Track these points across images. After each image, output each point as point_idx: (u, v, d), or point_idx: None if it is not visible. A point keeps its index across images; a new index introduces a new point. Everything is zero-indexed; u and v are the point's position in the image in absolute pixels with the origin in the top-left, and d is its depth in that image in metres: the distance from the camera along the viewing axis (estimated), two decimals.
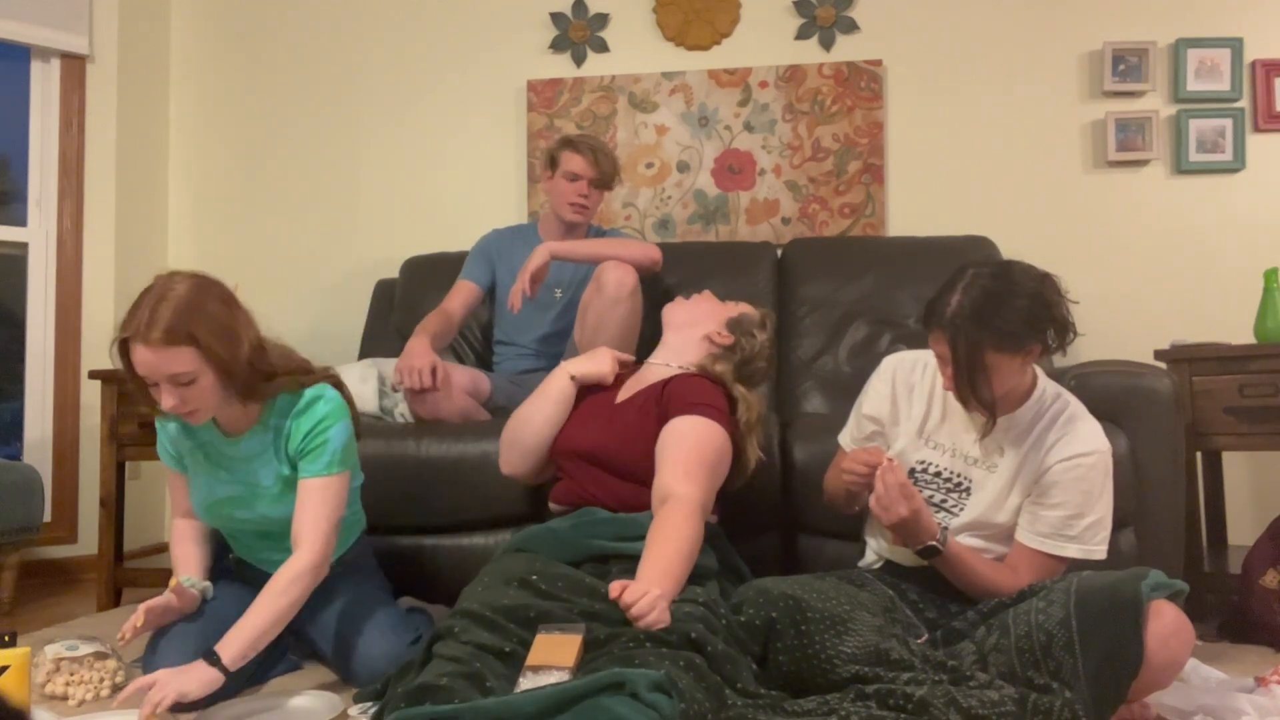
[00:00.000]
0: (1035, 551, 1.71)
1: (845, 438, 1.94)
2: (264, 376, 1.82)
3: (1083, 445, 1.70)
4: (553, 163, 2.79)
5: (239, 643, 1.69)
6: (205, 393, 1.75)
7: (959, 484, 1.77)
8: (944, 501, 1.77)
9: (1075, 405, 1.77)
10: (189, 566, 1.99)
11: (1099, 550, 1.70)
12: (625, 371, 2.17)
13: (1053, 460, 1.70)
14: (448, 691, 1.34)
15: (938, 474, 1.78)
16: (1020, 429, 1.74)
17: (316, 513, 1.83)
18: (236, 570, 2.08)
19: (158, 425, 1.99)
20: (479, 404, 2.59)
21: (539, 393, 2.11)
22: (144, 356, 1.68)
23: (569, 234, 2.78)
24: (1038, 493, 1.71)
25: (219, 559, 2.10)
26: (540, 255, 2.54)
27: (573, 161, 2.74)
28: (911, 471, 1.80)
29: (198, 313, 1.71)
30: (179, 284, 1.74)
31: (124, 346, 1.72)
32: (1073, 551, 1.69)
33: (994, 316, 1.60)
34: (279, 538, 1.91)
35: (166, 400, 1.72)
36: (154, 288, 1.73)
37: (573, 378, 2.09)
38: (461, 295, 2.79)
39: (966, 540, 1.74)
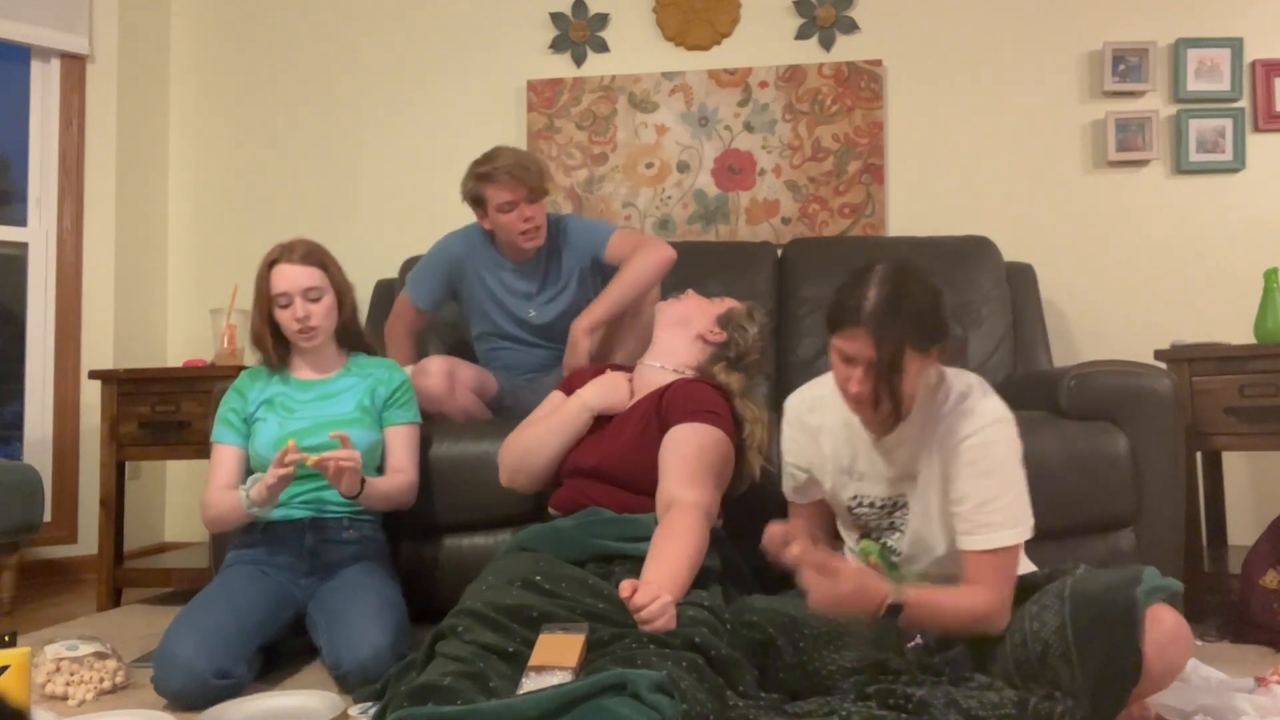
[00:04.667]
0: (973, 554, 1.57)
1: (787, 489, 1.87)
2: (357, 330, 2.31)
3: (965, 428, 1.57)
4: (477, 202, 2.60)
5: (377, 489, 2.10)
6: (325, 312, 2.17)
7: (896, 503, 1.69)
8: (891, 524, 1.71)
9: (958, 385, 1.64)
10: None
11: (1026, 528, 1.57)
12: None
13: (946, 451, 1.60)
14: (450, 691, 1.34)
15: (873, 504, 1.72)
16: (915, 431, 1.65)
17: (412, 451, 2.25)
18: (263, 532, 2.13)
19: (230, 393, 2.23)
20: (484, 404, 2.58)
21: (552, 423, 2.06)
22: (287, 271, 2.14)
23: (531, 253, 2.66)
24: (949, 491, 1.61)
25: (232, 547, 2.17)
26: (581, 340, 2.46)
27: (498, 193, 2.53)
28: (849, 509, 1.74)
29: (326, 252, 2.22)
30: (304, 238, 2.22)
31: (267, 272, 2.15)
32: (1003, 539, 1.55)
33: (913, 310, 1.53)
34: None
35: (299, 310, 2.13)
36: (281, 243, 2.19)
37: (589, 408, 2.06)
38: (415, 325, 2.78)
39: (925, 568, 1.66)
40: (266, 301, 2.16)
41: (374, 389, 2.23)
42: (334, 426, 2.11)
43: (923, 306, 1.54)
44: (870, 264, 1.59)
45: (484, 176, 2.56)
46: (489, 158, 2.59)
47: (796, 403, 1.83)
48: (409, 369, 2.53)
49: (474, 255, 2.72)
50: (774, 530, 1.59)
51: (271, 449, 2.10)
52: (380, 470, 2.21)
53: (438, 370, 2.47)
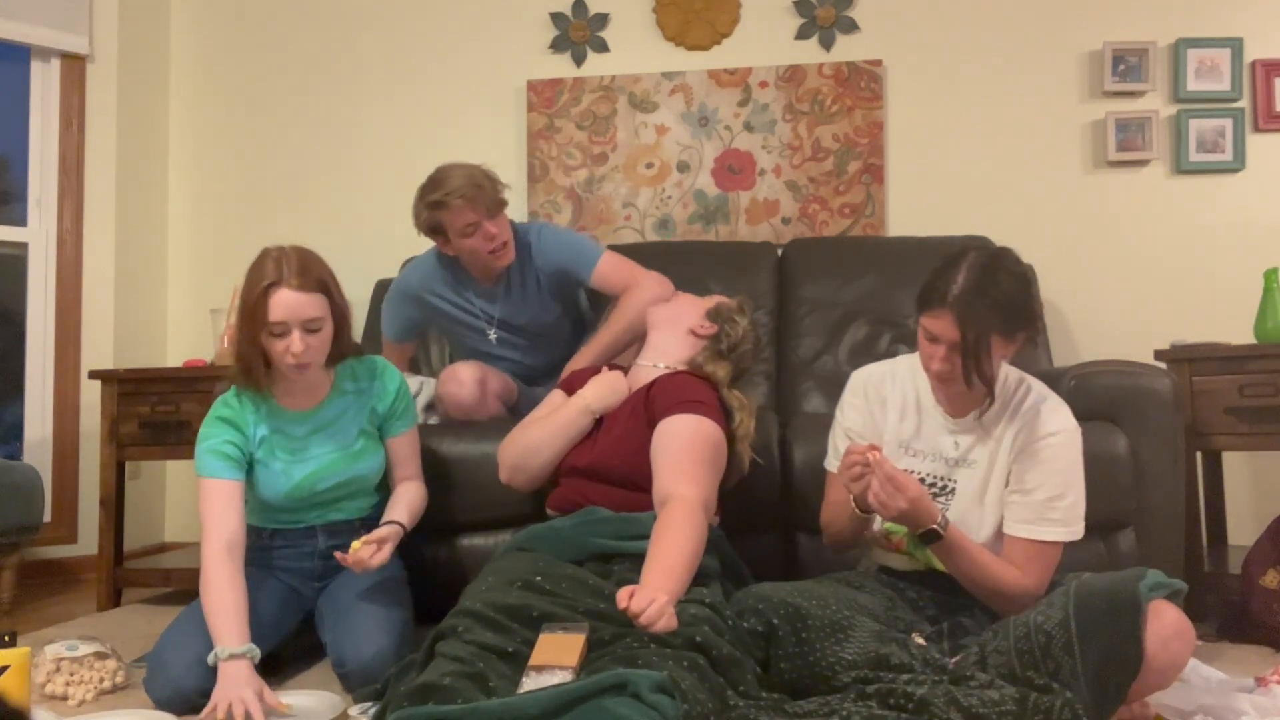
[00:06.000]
0: (1024, 541, 1.68)
1: (831, 462, 1.92)
2: (346, 343, 2.03)
3: (1049, 426, 1.70)
4: (435, 232, 2.45)
5: (409, 522, 2.05)
6: (323, 343, 1.93)
7: (944, 487, 1.76)
8: None
9: (1038, 388, 1.77)
10: (239, 622, 1.78)
11: (1079, 529, 1.70)
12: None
13: (1022, 444, 1.70)
14: (450, 691, 1.34)
15: (921, 480, 1.76)
16: (988, 423, 1.75)
17: (417, 457, 2.17)
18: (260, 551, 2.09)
19: (220, 425, 1.96)
20: (506, 409, 2.57)
21: (553, 424, 2.06)
22: (289, 299, 1.85)
23: (502, 270, 2.54)
24: (1014, 480, 1.71)
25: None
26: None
27: (456, 218, 2.39)
28: None
29: (325, 268, 1.95)
30: (297, 247, 1.94)
31: (264, 295, 1.85)
32: (1059, 534, 1.68)
33: (1000, 297, 1.62)
34: (350, 496, 2.10)
35: (296, 345, 1.86)
36: (275, 250, 1.91)
37: (590, 410, 2.06)
38: (402, 360, 2.71)
39: None
40: (260, 326, 1.87)
41: (372, 407, 2.09)
42: (342, 465, 2.04)
43: (1009, 294, 1.63)
44: (965, 249, 1.70)
45: (438, 204, 2.38)
46: (438, 183, 2.40)
47: (868, 372, 1.90)
48: (418, 382, 2.52)
49: (434, 285, 2.60)
50: (856, 445, 1.66)
51: (283, 497, 2.01)
52: (385, 481, 2.19)
53: (470, 379, 2.43)
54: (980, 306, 1.61)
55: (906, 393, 1.83)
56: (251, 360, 1.92)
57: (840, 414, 1.90)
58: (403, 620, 1.96)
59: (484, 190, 2.39)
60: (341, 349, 2.02)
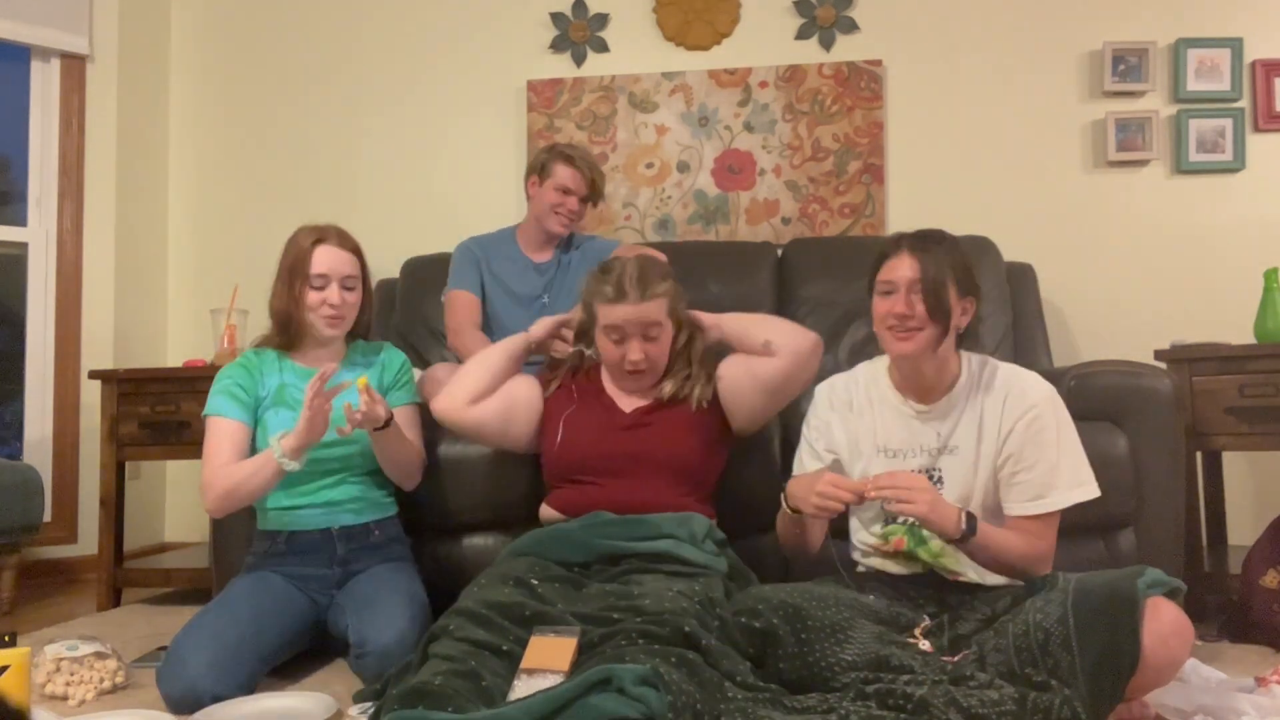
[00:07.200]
0: (1036, 518, 1.72)
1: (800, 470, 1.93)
2: (368, 323, 2.25)
3: (1027, 399, 1.73)
4: (543, 170, 2.74)
5: (400, 431, 2.13)
6: (355, 302, 2.15)
7: (932, 477, 1.78)
8: None
9: (1004, 366, 1.80)
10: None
11: (1092, 487, 1.73)
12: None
13: (1005, 425, 1.73)
14: (442, 692, 1.34)
15: None
16: (962, 405, 1.78)
17: (417, 430, 2.23)
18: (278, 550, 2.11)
19: (236, 368, 2.12)
20: None
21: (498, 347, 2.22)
22: (332, 254, 2.11)
23: (549, 242, 2.80)
24: (1012, 463, 1.73)
25: (254, 554, 2.14)
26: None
27: (565, 176, 2.70)
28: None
29: (356, 241, 2.20)
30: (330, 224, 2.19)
31: (309, 249, 2.10)
32: (1076, 496, 1.71)
33: (951, 245, 1.75)
34: (344, 469, 2.12)
35: (334, 296, 2.09)
36: (312, 224, 2.16)
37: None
38: (471, 311, 2.73)
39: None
40: (303, 279, 2.09)
41: (379, 376, 2.22)
42: (343, 423, 2.05)
43: (960, 248, 1.75)
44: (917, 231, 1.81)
45: (563, 155, 2.72)
46: (577, 145, 2.85)
47: (830, 384, 1.94)
48: (418, 373, 2.52)
49: (496, 244, 2.82)
50: (843, 482, 1.67)
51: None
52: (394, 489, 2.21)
53: (448, 379, 2.43)
54: (936, 249, 1.71)
55: (872, 394, 1.86)
56: (291, 313, 2.11)
57: (808, 434, 1.92)
58: (421, 607, 1.99)
59: (598, 179, 2.74)
60: (363, 321, 2.22)
